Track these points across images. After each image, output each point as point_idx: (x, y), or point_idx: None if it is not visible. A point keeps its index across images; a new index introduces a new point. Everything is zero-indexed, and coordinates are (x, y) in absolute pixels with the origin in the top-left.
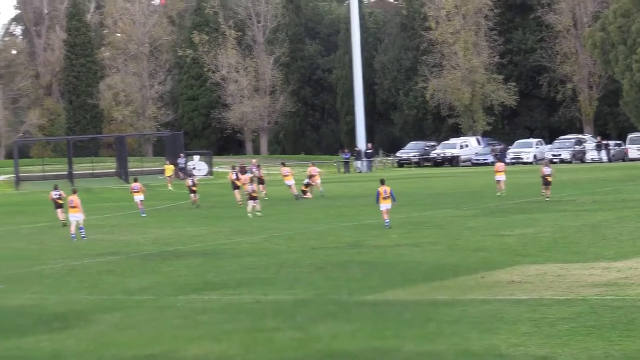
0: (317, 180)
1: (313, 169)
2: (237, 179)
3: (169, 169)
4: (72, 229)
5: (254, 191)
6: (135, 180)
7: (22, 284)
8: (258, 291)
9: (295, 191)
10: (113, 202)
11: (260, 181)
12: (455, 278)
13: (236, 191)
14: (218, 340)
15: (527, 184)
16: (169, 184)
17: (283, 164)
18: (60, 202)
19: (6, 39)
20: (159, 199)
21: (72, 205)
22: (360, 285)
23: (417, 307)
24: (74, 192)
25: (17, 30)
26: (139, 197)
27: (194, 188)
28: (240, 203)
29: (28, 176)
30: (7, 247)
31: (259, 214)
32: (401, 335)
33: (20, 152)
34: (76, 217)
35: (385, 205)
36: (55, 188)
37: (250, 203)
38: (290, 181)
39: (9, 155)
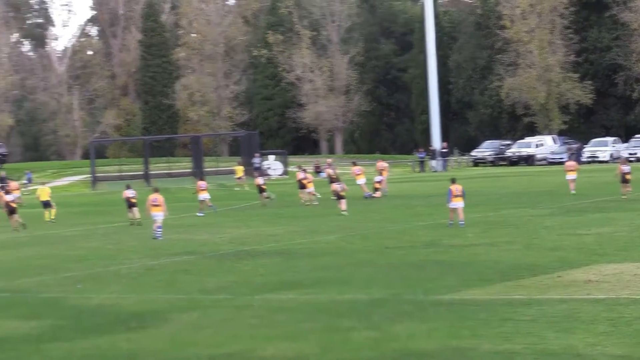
0: (384, 175)
1: (382, 164)
2: (305, 178)
3: (240, 170)
4: (154, 226)
5: (342, 190)
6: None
7: (100, 283)
8: (334, 290)
9: (366, 190)
10: (189, 202)
11: (333, 180)
12: (531, 277)
13: (301, 191)
14: (294, 340)
15: (603, 183)
16: (245, 185)
17: (354, 164)
18: (134, 201)
19: (82, 39)
20: (235, 199)
21: (156, 203)
22: (436, 285)
23: (494, 307)
24: (156, 190)
25: (93, 31)
26: (204, 196)
27: (263, 187)
28: (306, 202)
29: (104, 176)
30: (84, 247)
31: (345, 213)
32: (478, 334)
33: (96, 152)
34: (158, 215)
35: (457, 203)
36: (128, 187)
37: (342, 202)
38: (361, 180)
39: (85, 156)
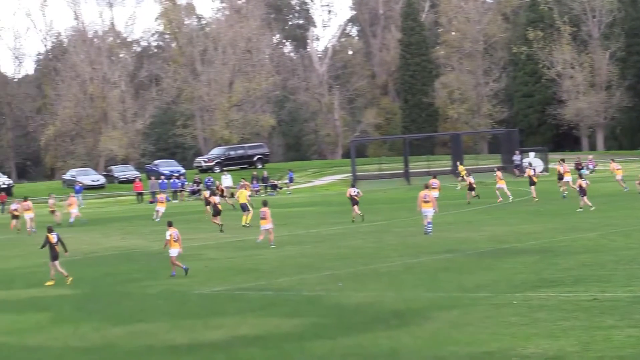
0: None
1: (616, 165)
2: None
3: (462, 170)
4: (424, 222)
5: (587, 185)
6: (426, 187)
7: (360, 281)
8: (595, 288)
9: (623, 184)
10: (448, 200)
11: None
12: None
13: (559, 182)
14: (555, 338)
15: None
16: (461, 184)
17: (612, 160)
18: (357, 199)
19: (342, 39)
20: (494, 197)
21: (426, 200)
22: None
23: None
24: (426, 187)
25: (353, 31)
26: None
27: (534, 179)
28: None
29: (365, 175)
30: (346, 245)
31: (590, 208)
32: None
33: (357, 151)
34: (429, 211)
35: None
36: (352, 186)
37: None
38: (620, 176)
39: (346, 155)
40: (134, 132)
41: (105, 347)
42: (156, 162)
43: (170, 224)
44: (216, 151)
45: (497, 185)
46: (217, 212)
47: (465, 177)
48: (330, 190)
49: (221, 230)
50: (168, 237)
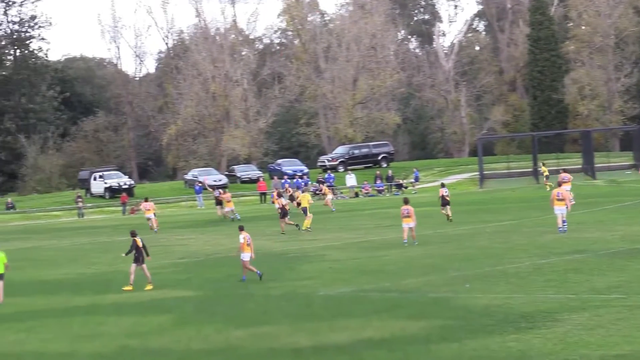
0: None
1: None
2: None
3: (545, 170)
4: (559, 222)
5: None
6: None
7: (487, 283)
8: None
9: None
10: (580, 199)
11: None
12: None
13: None
14: None
15: None
16: (548, 185)
17: None
18: (448, 199)
19: (469, 35)
20: (628, 195)
21: (560, 198)
22: None
23: None
24: (560, 184)
25: (480, 25)
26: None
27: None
28: None
29: (492, 174)
30: (472, 246)
31: None
32: None
33: (484, 149)
34: (561, 209)
35: None
36: (443, 186)
37: None
38: None
39: (473, 153)
40: (256, 131)
41: (227, 349)
42: (279, 161)
43: (241, 228)
44: (340, 150)
45: None
46: (284, 214)
47: (547, 177)
48: (457, 190)
49: (297, 226)
50: (242, 241)
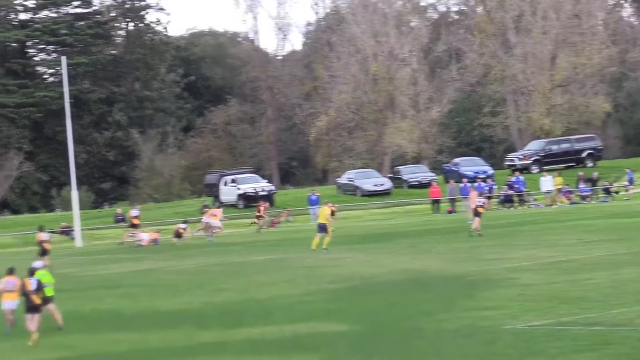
0: None
1: None
2: None
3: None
4: None
5: None
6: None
7: None
8: None
9: None
10: None
11: None
12: None
13: None
14: None
15: None
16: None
17: None
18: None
19: None
20: None
21: None
22: None
23: None
24: None
25: None
26: None
27: None
28: None
29: None
30: None
31: None
32: None
33: None
34: None
35: None
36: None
37: None
38: None
39: None
40: (428, 123)
41: None
42: (456, 160)
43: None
44: (534, 145)
45: None
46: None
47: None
48: None
49: None
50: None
